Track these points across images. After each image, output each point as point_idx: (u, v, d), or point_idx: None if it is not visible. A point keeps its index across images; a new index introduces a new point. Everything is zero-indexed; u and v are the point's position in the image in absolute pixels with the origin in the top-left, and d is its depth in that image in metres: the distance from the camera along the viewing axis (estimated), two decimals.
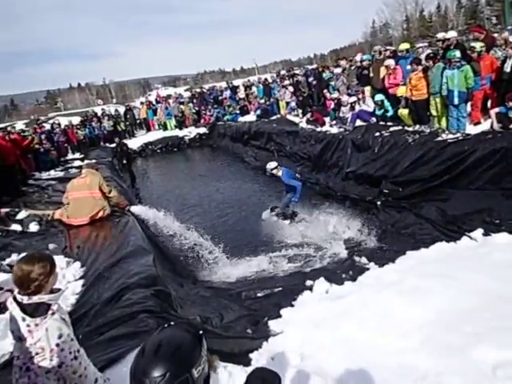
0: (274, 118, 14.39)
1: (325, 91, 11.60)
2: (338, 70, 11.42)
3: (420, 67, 7.71)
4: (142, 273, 4.06)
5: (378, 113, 9.08)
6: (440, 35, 8.36)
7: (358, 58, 10.60)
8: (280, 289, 4.99)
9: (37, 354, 1.95)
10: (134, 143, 18.11)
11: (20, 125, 34.29)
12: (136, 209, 6.58)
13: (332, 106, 10.73)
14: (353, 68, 11.00)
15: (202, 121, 19.40)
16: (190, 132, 18.94)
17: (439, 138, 6.87)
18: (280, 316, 4.00)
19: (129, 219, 5.97)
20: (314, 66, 17.85)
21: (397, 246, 5.86)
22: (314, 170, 10.29)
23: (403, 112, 8.37)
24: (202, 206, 9.99)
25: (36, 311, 1.94)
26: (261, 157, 13.02)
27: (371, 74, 9.66)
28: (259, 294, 4.97)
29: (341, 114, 10.04)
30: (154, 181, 14.36)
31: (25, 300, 1.94)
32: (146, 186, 13.53)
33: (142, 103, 22.82)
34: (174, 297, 4.15)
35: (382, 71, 9.09)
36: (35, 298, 1.95)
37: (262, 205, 8.74)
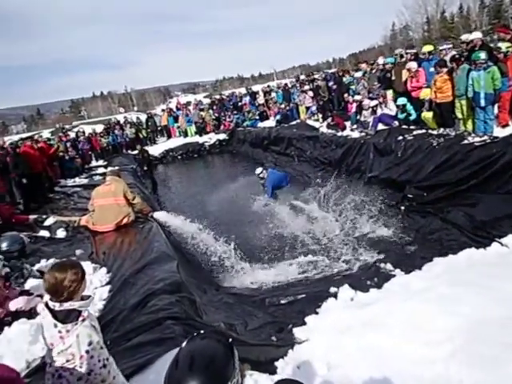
0: (294, 123, 14.38)
1: (345, 95, 11.52)
2: (358, 74, 11.34)
3: (445, 69, 7.55)
4: (167, 279, 4.09)
5: (401, 116, 8.94)
6: (464, 37, 8.17)
7: (381, 61, 10.47)
8: (303, 295, 4.94)
9: (67, 360, 1.98)
10: (155, 150, 18.43)
11: (46, 133, 35.37)
12: (159, 215, 6.65)
13: (353, 109, 10.63)
14: (374, 71, 10.89)
15: (222, 127, 19.57)
16: (210, 138, 19.12)
17: (465, 142, 6.70)
18: (304, 323, 3.96)
19: (152, 225, 6.05)
20: (333, 70, 17.78)
21: (423, 252, 5.73)
22: (334, 175, 10.19)
23: (427, 115, 8.21)
24: (223, 212, 10.01)
25: (67, 318, 1.98)
26: (281, 162, 13.01)
27: (393, 77, 9.52)
28: (283, 301, 4.93)
29: (362, 118, 9.95)
30: (175, 187, 14.52)
31: (57, 307, 1.98)
32: (167, 192, 13.70)
33: (162, 110, 23.21)
34: (198, 303, 4.16)
35: (404, 74, 8.97)
36: (66, 305, 1.99)
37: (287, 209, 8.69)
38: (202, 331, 1.27)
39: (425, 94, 8.23)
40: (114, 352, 2.34)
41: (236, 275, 6.24)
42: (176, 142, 19.73)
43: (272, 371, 3.10)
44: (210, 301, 4.84)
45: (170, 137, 20.84)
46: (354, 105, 10.54)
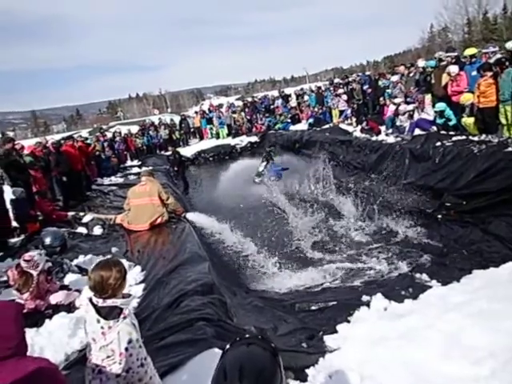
0: (327, 126, 14.24)
1: (381, 99, 11.28)
2: (394, 78, 11.06)
3: (490, 73, 7.23)
4: (199, 280, 4.13)
5: (439, 121, 8.64)
6: (509, 45, 7.68)
7: (421, 63, 10.13)
8: (334, 303, 4.85)
9: (108, 356, 2.03)
10: (187, 151, 18.73)
11: (84, 133, 36.78)
12: (191, 215, 6.76)
13: (389, 113, 10.39)
14: (412, 75, 10.60)
15: (254, 129, 19.65)
16: (242, 141, 19.24)
17: (509, 149, 6.38)
18: (336, 331, 3.88)
19: (185, 226, 6.14)
20: (368, 72, 17.46)
21: (461, 263, 5.50)
22: (368, 181, 10.00)
23: (468, 121, 7.89)
24: (253, 214, 10.02)
25: (109, 314, 2.03)
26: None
27: (432, 81, 9.23)
28: (313, 307, 4.86)
29: (398, 123, 9.70)
30: (206, 187, 14.67)
31: (100, 303, 2.03)
32: (197, 192, 13.88)
33: (195, 112, 23.61)
34: (229, 305, 4.18)
35: (444, 78, 8.66)
36: (109, 302, 2.04)
37: (317, 213, 8.62)
38: (246, 336, 1.25)
39: (466, 98, 7.91)
40: (147, 350, 2.38)
41: (265, 278, 6.22)
42: (208, 143, 19.98)
43: (303, 379, 3.06)
44: (240, 303, 4.85)
45: (202, 138, 21.15)
46: (391, 108, 10.28)
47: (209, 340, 3.05)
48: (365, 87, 12.90)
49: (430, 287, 4.64)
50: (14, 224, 6.94)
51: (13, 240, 6.63)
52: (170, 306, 3.64)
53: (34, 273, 3.61)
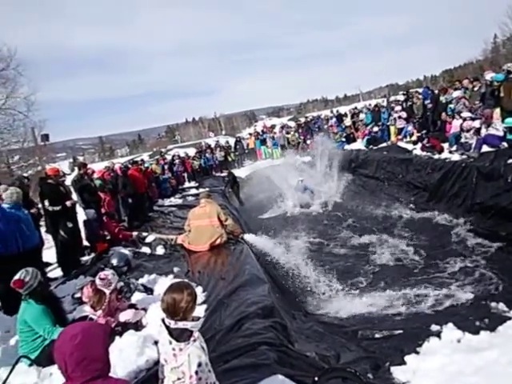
0: (384, 145, 13.85)
1: (443, 115, 10.76)
2: (457, 93, 10.53)
3: None
4: (259, 302, 4.11)
5: (510, 137, 8.04)
6: None
7: (488, 76, 9.54)
8: (400, 331, 4.60)
9: (178, 378, 2.06)
10: (242, 172, 19.08)
11: (145, 156, 39.03)
12: (249, 237, 6.80)
13: (453, 130, 9.85)
14: (476, 88, 10.04)
15: (308, 149, 19.62)
16: (296, 161, 19.22)
17: None
18: (404, 363, 3.67)
19: (243, 247, 6.20)
20: (428, 86, 16.81)
21: None
22: (430, 201, 9.52)
23: None
24: (309, 234, 9.90)
25: (181, 336, 2.07)
26: (370, 186, 12.55)
27: (501, 95, 8.65)
28: (377, 335, 4.65)
29: (463, 140, 9.17)
30: (258, 207, 14.70)
31: (172, 324, 2.08)
32: (249, 211, 13.99)
33: (249, 134, 24.11)
34: (289, 329, 4.11)
35: None
36: (180, 324, 2.08)
37: (378, 234, 8.34)
38: (335, 367, 1.22)
39: None
40: None
41: (324, 302, 6.07)
42: (262, 164, 20.22)
43: None
44: (300, 328, 4.75)
45: (256, 159, 21.48)
46: (456, 124, 9.73)
47: (272, 365, 3.00)
48: (426, 102, 12.33)
49: (510, 318, 4.25)
50: (85, 243, 7.47)
51: (84, 258, 7.12)
52: (232, 329, 3.64)
53: (107, 291, 3.83)
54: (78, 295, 4.80)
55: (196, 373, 2.01)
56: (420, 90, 16.27)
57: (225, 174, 18.09)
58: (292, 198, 13.18)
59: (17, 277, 3.53)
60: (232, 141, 23.83)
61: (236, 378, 2.93)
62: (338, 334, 4.68)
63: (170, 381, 2.07)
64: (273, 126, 24.22)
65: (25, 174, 11.40)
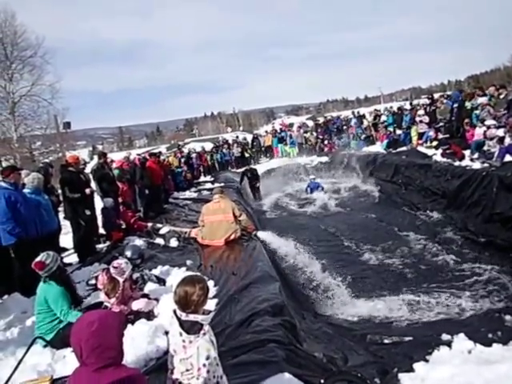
0: (404, 148, 13.66)
1: (466, 121, 10.54)
2: (482, 99, 10.29)
3: None
4: (270, 300, 4.12)
5: None
6: None
7: None
8: (410, 338, 4.55)
9: (187, 370, 2.10)
10: (258, 169, 19.06)
11: (163, 148, 39.50)
12: (262, 234, 6.82)
13: (476, 137, 9.65)
14: (502, 96, 9.81)
15: (325, 149, 19.53)
16: (312, 160, 19.15)
17: None
18: (413, 370, 3.63)
19: (256, 244, 6.22)
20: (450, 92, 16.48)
21: None
22: (448, 208, 9.35)
23: None
24: (323, 236, 9.86)
25: (191, 329, 2.10)
26: (386, 189, 12.40)
27: None
28: (386, 340, 4.60)
29: (485, 148, 8.98)
30: (272, 204, 14.74)
31: (183, 316, 2.12)
32: (264, 208, 14.02)
33: (266, 132, 24.10)
34: (298, 328, 4.12)
35: None
36: (191, 317, 2.12)
37: (392, 236, 8.25)
38: (341, 370, 1.23)
39: None
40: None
41: (334, 303, 6.04)
42: (278, 162, 20.18)
43: None
44: (309, 328, 4.75)
45: (272, 157, 21.47)
46: (479, 132, 9.52)
47: (280, 363, 3.02)
48: (454, 105, 11.98)
49: None
50: (101, 231, 7.62)
51: (99, 246, 7.26)
52: (242, 324, 3.67)
53: (120, 279, 3.90)
54: (92, 282, 4.92)
55: (204, 365, 2.04)
56: (449, 93, 15.95)
57: (242, 169, 18.15)
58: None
59: (38, 259, 3.63)
60: (249, 137, 23.86)
61: (243, 374, 2.96)
62: (347, 337, 4.66)
63: (179, 372, 2.11)
64: (291, 125, 24.19)
65: (49, 161, 11.67)
